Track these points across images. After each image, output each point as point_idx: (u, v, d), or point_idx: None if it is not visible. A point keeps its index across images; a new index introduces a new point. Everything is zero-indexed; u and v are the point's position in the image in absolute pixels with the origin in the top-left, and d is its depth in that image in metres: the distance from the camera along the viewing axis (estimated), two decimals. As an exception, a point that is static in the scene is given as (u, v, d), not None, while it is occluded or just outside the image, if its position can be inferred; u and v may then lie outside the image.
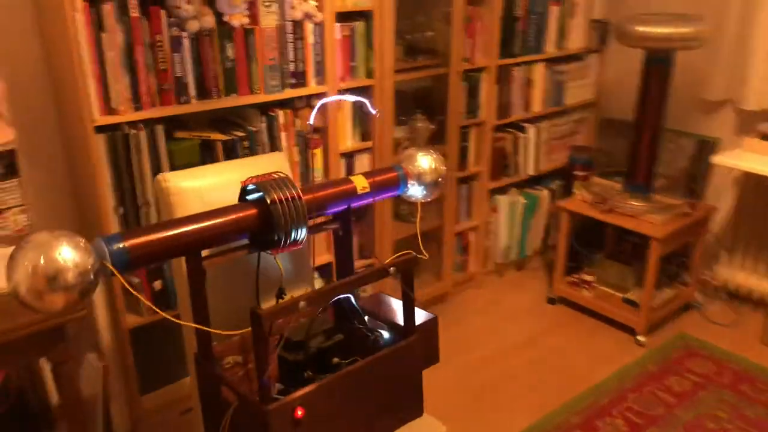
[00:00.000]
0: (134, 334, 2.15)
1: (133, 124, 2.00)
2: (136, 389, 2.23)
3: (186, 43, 2.02)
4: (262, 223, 1.42)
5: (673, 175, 3.21)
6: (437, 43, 2.76)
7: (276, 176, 1.45)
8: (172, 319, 1.37)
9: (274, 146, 2.31)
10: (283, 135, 2.32)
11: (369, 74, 2.49)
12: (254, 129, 2.25)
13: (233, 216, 1.39)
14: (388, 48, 2.47)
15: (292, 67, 2.27)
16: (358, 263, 2.74)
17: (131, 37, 1.90)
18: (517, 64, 3.06)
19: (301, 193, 1.43)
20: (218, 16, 2.06)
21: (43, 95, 2.07)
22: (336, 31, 2.33)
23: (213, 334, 1.44)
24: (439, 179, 1.74)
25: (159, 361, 2.29)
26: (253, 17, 2.14)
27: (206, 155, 2.19)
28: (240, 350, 1.56)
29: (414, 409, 1.55)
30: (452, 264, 3.13)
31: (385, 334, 1.58)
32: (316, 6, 2.25)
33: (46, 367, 2.31)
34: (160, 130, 2.04)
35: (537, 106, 3.24)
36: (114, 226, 2.01)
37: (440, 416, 2.37)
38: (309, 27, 2.27)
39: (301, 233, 1.44)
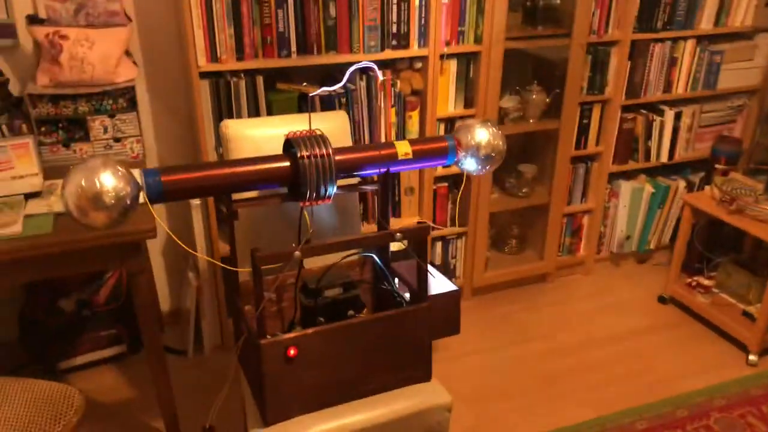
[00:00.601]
0: (227, 261, 2.40)
1: (236, 72, 2.20)
2: (224, 311, 2.50)
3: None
4: (294, 175, 1.52)
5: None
6: (562, 11, 2.61)
7: (313, 133, 1.54)
8: (189, 250, 1.53)
9: (371, 105, 2.39)
10: (380, 95, 2.39)
11: (477, 40, 2.45)
12: (352, 87, 2.34)
13: (266, 165, 1.50)
14: (500, 14, 2.40)
15: (394, 28, 2.31)
16: (449, 230, 2.76)
17: (238, -9, 2.07)
18: (659, 40, 2.79)
19: (332, 152, 1.51)
20: (322, -25, 2.16)
21: (171, 41, 2.33)
22: (444, -5, 2.32)
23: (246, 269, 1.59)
24: (493, 154, 1.71)
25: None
26: (358, -23, 2.21)
27: (304, 108, 2.33)
28: (274, 289, 1.70)
29: (421, 373, 1.59)
30: (558, 245, 3.02)
31: (408, 298, 1.63)
32: (425, -32, 2.26)
33: (161, 276, 2.68)
34: (260, 80, 2.22)
35: (681, 88, 2.94)
36: (212, 163, 2.24)
37: (501, 393, 2.38)
38: (415, -11, 2.28)
39: (329, 190, 1.52)
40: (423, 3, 2.31)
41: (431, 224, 1.50)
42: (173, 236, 1.39)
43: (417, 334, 1.55)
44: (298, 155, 1.48)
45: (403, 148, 1.63)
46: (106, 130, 2.13)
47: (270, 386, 1.40)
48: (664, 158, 3.04)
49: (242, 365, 1.63)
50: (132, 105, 2.14)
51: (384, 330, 1.50)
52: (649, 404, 2.34)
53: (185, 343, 2.54)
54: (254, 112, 2.24)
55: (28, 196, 1.87)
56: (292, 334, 1.41)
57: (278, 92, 2.29)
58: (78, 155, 2.11)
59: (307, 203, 1.53)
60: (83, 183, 1.32)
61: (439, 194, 2.67)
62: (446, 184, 2.67)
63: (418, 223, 1.48)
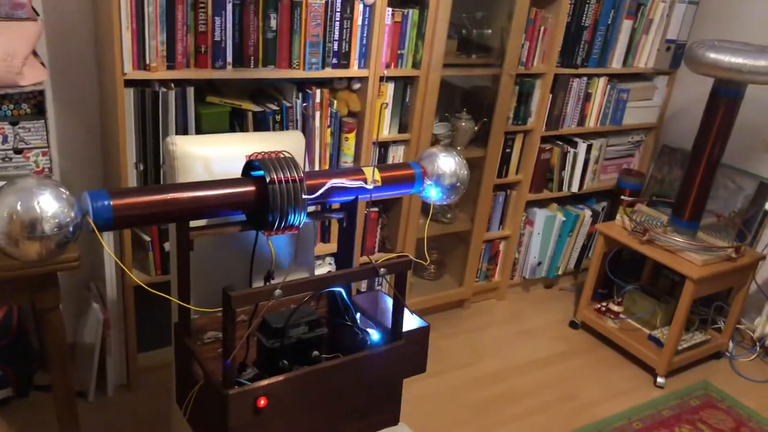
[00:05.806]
0: (139, 291, 2.15)
1: (165, 82, 1.99)
2: (134, 346, 2.24)
3: (229, 7, 1.98)
4: (259, 201, 1.37)
5: (727, 216, 3.01)
6: (494, 42, 2.64)
7: (281, 155, 1.40)
8: (148, 288, 1.34)
9: (307, 124, 2.26)
10: (317, 114, 2.27)
11: (416, 65, 2.41)
12: (288, 104, 2.20)
13: (229, 190, 1.34)
14: (440, 40, 2.38)
15: (335, 46, 2.21)
16: (378, 255, 2.68)
17: (174, -6, 1.88)
18: (577, 76, 2.91)
19: (303, 177, 1.38)
20: (265, -16, 2.02)
21: (85, 42, 2.07)
22: (387, 16, 2.25)
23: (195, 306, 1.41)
24: (458, 184, 1.66)
25: (161, 321, 2.28)
26: (302, -10, 2.09)
27: (236, 124, 2.16)
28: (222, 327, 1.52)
29: (389, 416, 1.49)
30: (476, 271, 3.04)
31: (374, 335, 1.52)
32: (369, -13, 2.19)
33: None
34: (190, 92, 2.02)
35: (592, 122, 3.09)
36: (132, 180, 2.01)
37: (429, 426, 2.31)
38: (359, 7, 2.20)
39: (298, 217, 1.39)
40: (366, 22, 2.23)
41: (411, 257, 1.41)
42: (140, 283, 1.19)
43: (390, 374, 1.45)
44: (268, 179, 1.34)
45: (372, 175, 1.53)
46: (5, 140, 1.83)
47: (237, 442, 1.24)
48: (575, 188, 3.17)
49: (190, 416, 1.44)
50: (39, 112, 1.86)
51: (360, 372, 1.38)
52: (573, 430, 2.38)
53: (85, 382, 2.24)
54: (182, 127, 2.04)
55: None
56: (264, 382, 1.25)
57: (208, 106, 2.10)
58: (-31, 167, 1.80)
59: (273, 233, 1.39)
60: (19, 207, 1.09)
61: (369, 219, 2.58)
62: (377, 209, 2.60)
63: (397, 255, 1.39)
